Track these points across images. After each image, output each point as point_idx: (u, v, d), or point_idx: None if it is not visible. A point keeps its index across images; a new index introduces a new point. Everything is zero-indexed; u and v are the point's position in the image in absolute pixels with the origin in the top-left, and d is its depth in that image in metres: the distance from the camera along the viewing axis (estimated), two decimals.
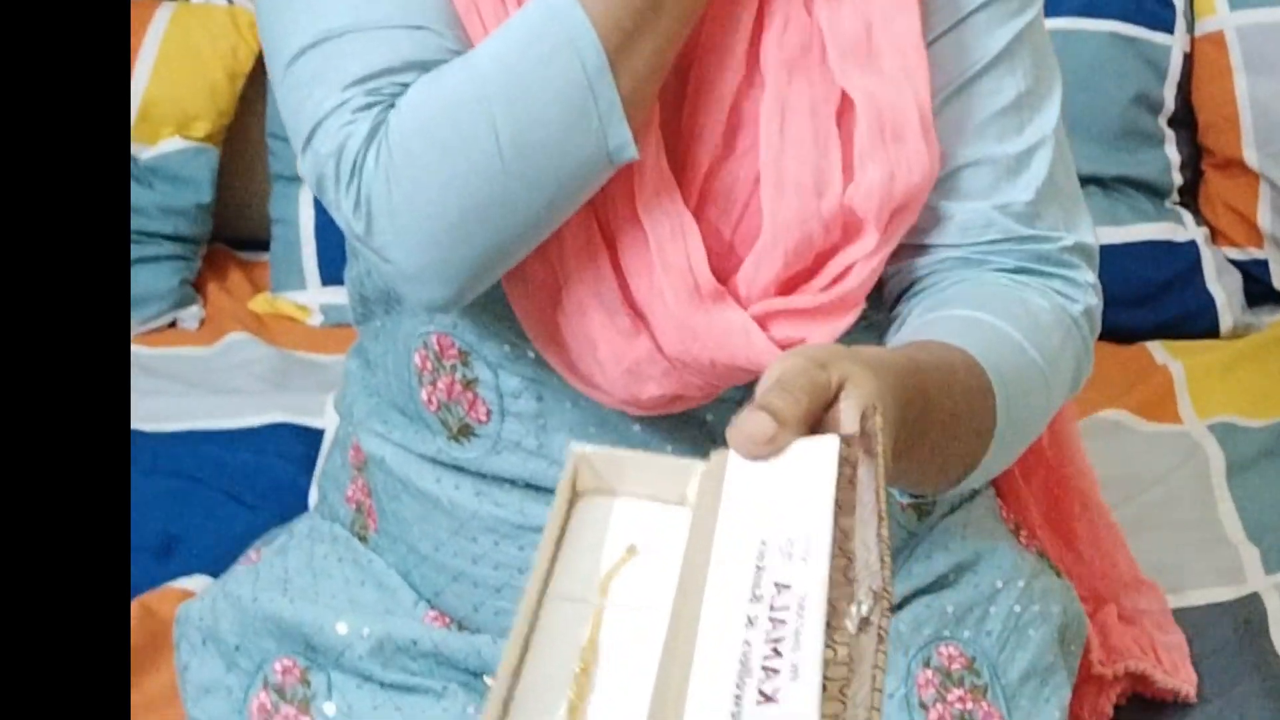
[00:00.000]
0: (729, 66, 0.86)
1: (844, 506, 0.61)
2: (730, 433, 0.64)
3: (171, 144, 1.74)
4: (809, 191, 0.85)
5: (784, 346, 0.85)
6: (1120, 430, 1.50)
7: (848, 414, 0.66)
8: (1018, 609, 1.01)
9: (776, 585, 0.58)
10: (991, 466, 0.86)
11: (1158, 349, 1.64)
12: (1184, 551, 1.31)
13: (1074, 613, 1.06)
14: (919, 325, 0.88)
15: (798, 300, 0.86)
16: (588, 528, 0.68)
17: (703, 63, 0.87)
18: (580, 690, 0.59)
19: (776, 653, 0.55)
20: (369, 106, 0.83)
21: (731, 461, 0.65)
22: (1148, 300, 1.68)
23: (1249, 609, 1.24)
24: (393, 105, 0.82)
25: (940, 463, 0.81)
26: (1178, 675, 1.15)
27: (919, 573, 0.99)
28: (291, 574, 1.03)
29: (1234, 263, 1.72)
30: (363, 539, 1.02)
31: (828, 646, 0.55)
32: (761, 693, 0.54)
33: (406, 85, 0.83)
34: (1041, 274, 0.92)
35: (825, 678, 0.53)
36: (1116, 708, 1.13)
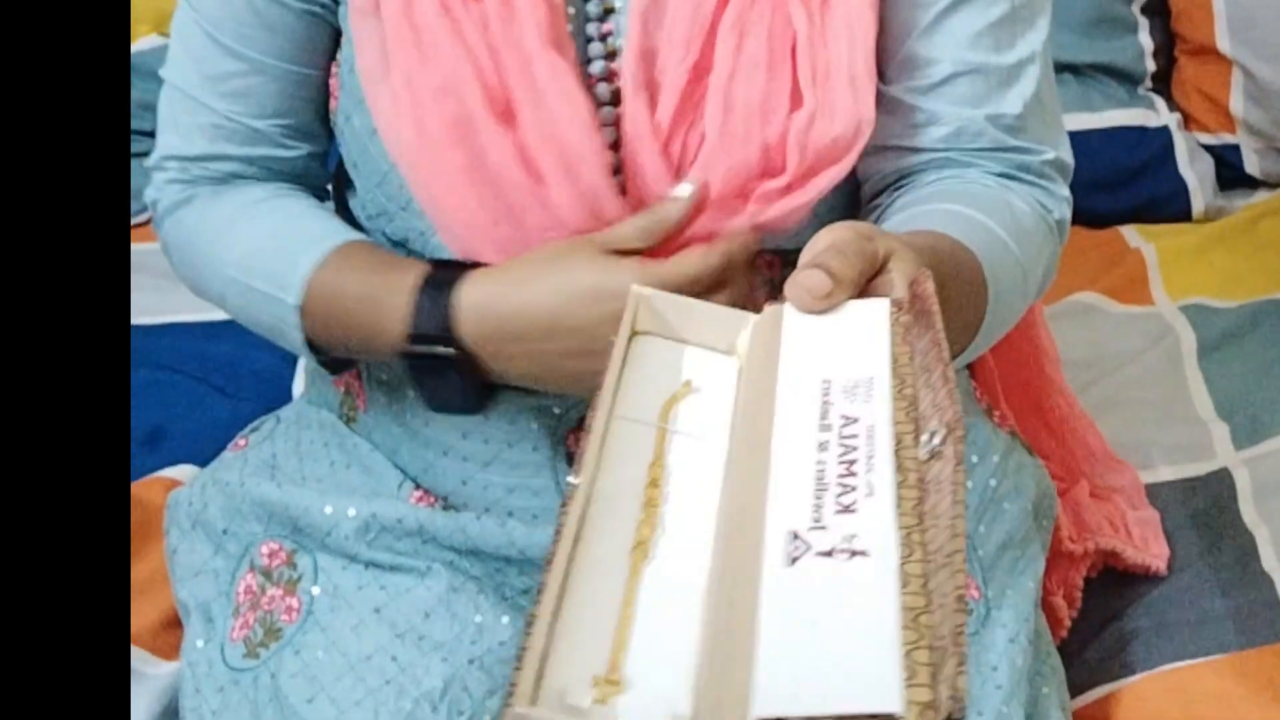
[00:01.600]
0: None
1: (899, 359, 0.63)
2: (788, 287, 0.68)
3: (150, 41, 1.73)
4: (754, 115, 0.86)
5: None
6: (1094, 312, 1.51)
7: (896, 283, 0.69)
8: (993, 483, 1.03)
9: (844, 417, 0.60)
10: (967, 357, 0.89)
11: (1131, 233, 1.65)
12: (1156, 429, 1.33)
13: (1045, 488, 1.08)
14: (910, 215, 0.90)
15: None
16: (646, 362, 0.70)
17: None
18: (651, 500, 0.62)
19: (851, 472, 0.57)
20: (174, 182, 0.98)
21: (787, 315, 0.68)
22: (1121, 185, 1.68)
23: (1218, 484, 1.26)
24: (192, 193, 0.98)
25: None
26: (1149, 550, 1.18)
27: None
28: (279, 459, 1.04)
29: (1206, 148, 1.73)
30: (350, 421, 1.03)
31: (899, 471, 0.56)
32: (840, 504, 0.55)
33: (208, 171, 0.97)
34: (1024, 182, 0.95)
35: (900, 496, 0.55)
36: (1088, 580, 1.16)
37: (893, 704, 0.47)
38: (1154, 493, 1.24)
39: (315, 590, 0.97)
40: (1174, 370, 1.41)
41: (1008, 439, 1.07)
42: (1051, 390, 1.16)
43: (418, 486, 0.98)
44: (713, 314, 0.73)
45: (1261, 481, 1.25)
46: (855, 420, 0.59)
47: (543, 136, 0.85)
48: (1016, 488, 1.04)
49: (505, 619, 0.95)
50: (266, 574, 0.99)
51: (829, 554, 0.53)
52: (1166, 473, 1.29)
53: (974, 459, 1.03)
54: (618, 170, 0.87)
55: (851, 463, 0.57)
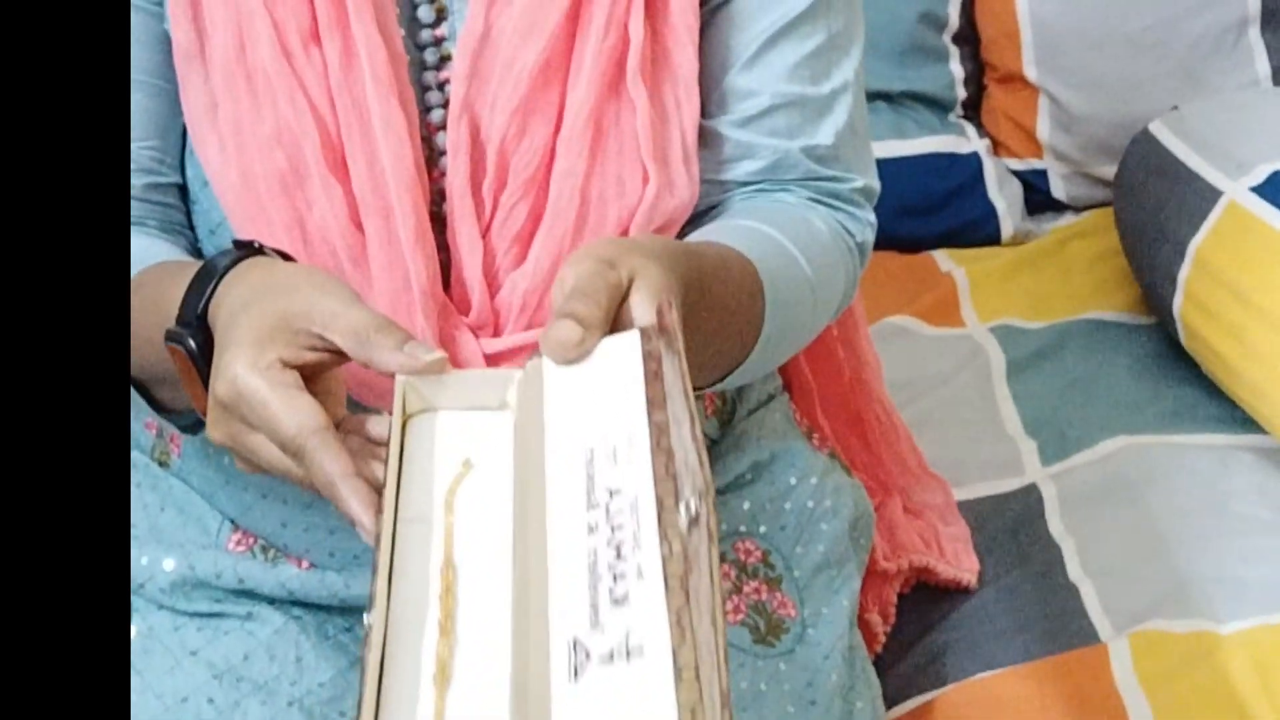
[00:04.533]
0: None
1: (654, 401, 0.65)
2: (542, 341, 0.70)
3: None
4: (603, 199, 0.89)
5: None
6: (906, 334, 1.55)
7: (640, 308, 0.71)
8: (810, 504, 1.05)
9: (609, 491, 0.62)
10: (754, 368, 0.91)
11: (942, 257, 1.70)
12: (967, 447, 1.37)
13: (863, 509, 1.11)
14: (700, 232, 0.92)
15: None
16: (422, 447, 0.71)
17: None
18: (447, 609, 0.62)
19: (620, 556, 0.59)
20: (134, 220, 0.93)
21: (547, 368, 0.70)
22: (932, 210, 1.73)
23: (1027, 499, 1.30)
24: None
25: (711, 353, 0.85)
26: (960, 565, 1.21)
27: (719, 472, 1.02)
28: None
29: (1014, 173, 1.78)
30: (164, 465, 1.01)
31: (663, 542, 0.58)
32: (613, 596, 0.57)
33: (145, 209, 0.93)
34: (830, 207, 0.97)
35: (666, 574, 0.57)
36: (901, 595, 1.18)
37: None
38: (966, 508, 1.27)
39: (132, 630, 0.95)
40: (985, 390, 1.45)
41: (826, 460, 1.09)
42: (870, 400, 1.19)
43: (236, 528, 0.97)
44: (477, 378, 0.75)
45: (1067, 496, 1.29)
46: (619, 492, 0.62)
47: (372, 189, 0.85)
48: (834, 509, 1.06)
49: (325, 659, 0.94)
50: None
51: (610, 658, 0.55)
52: (978, 489, 1.32)
53: (792, 480, 1.05)
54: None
55: (620, 545, 0.59)
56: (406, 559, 0.64)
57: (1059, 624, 1.14)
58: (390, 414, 0.71)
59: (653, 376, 0.66)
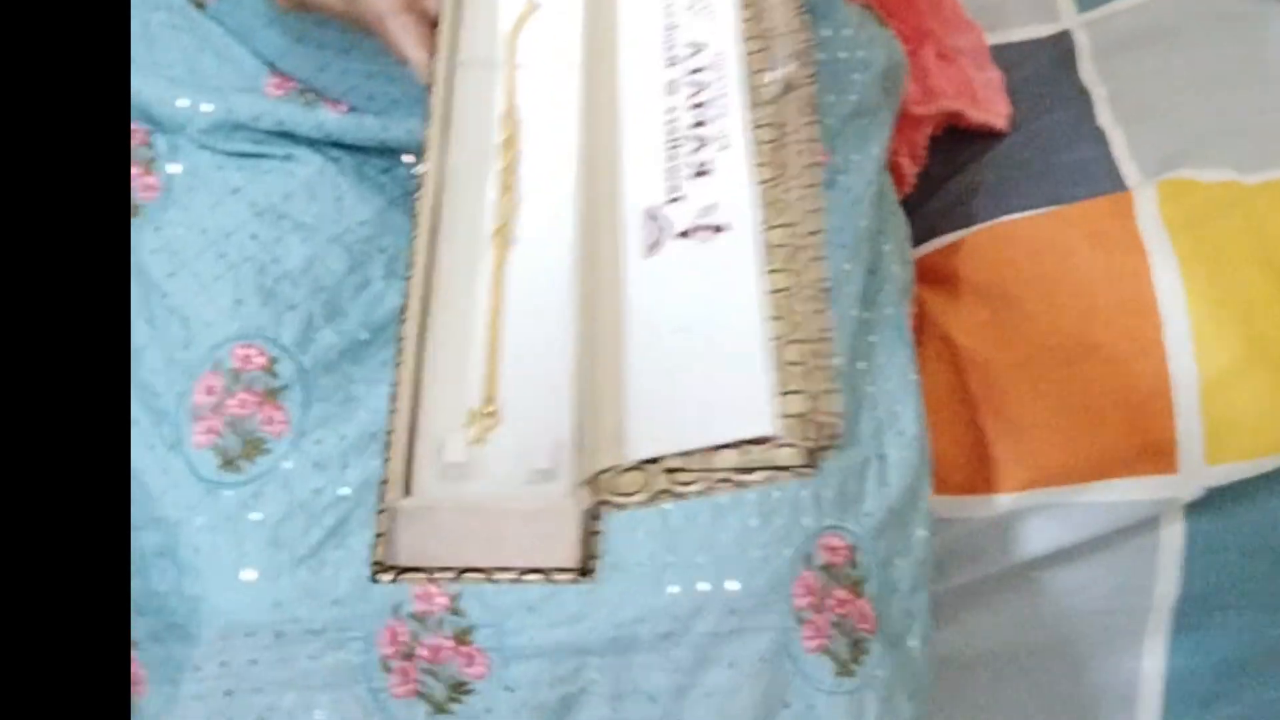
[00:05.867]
0: None
1: None
2: None
3: None
4: None
5: None
6: None
7: None
8: (843, 55, 1.05)
9: (691, 46, 0.56)
10: None
11: None
12: None
13: (896, 59, 1.10)
14: None
15: None
16: None
17: None
18: (509, 163, 0.57)
19: (702, 122, 0.53)
20: None
21: None
22: None
23: (1060, 45, 1.29)
24: None
25: None
26: (991, 109, 1.21)
27: None
28: None
29: None
30: (200, 5, 0.99)
31: (752, 108, 0.52)
32: (695, 163, 0.52)
33: None
34: None
35: (756, 141, 0.52)
36: (932, 138, 1.19)
37: (764, 425, 0.46)
38: (998, 53, 1.26)
39: (173, 168, 0.96)
40: None
41: (860, 11, 1.08)
42: None
43: (274, 71, 0.97)
44: None
45: (1101, 42, 1.28)
46: (703, 48, 0.56)
47: None
48: (866, 60, 1.06)
49: (364, 199, 0.95)
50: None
51: (688, 234, 0.50)
52: (1012, 34, 1.31)
53: (827, 33, 1.04)
54: None
55: (702, 105, 0.54)
56: (464, 105, 0.59)
57: (1087, 169, 1.15)
58: None
59: None
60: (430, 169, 0.56)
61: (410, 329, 0.50)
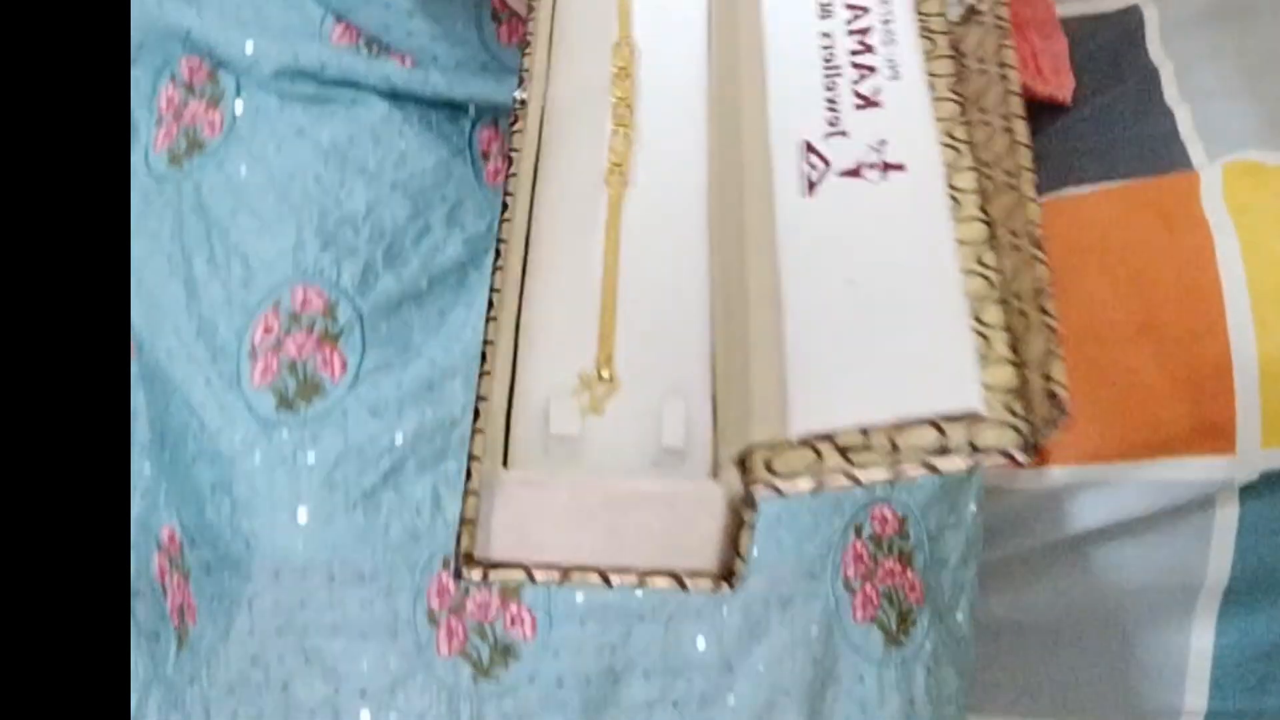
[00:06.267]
0: None
1: None
2: None
3: None
4: None
5: None
6: None
7: None
8: None
9: None
10: None
11: None
12: None
13: None
14: None
15: None
16: None
17: None
18: (624, 95, 0.48)
19: (865, 45, 0.45)
20: None
21: None
22: None
23: (1128, 18, 1.28)
24: None
25: None
26: (1055, 82, 1.20)
27: None
28: None
29: None
30: None
31: (923, 37, 0.45)
32: (859, 93, 0.44)
33: None
34: None
35: (930, 74, 0.44)
36: None
37: (966, 397, 0.38)
38: (1064, 26, 1.25)
39: (238, 106, 0.96)
40: None
41: None
42: None
43: (339, 20, 0.96)
44: None
45: (1171, 17, 1.26)
46: None
47: None
48: None
49: (428, 148, 0.95)
50: (189, 88, 0.97)
51: (855, 172, 0.42)
52: (1078, 6, 1.30)
53: None
54: None
55: (865, 31, 0.46)
56: (569, 31, 0.50)
57: (1152, 147, 1.14)
58: None
59: None
60: (532, 100, 0.48)
61: (508, 276, 0.42)
